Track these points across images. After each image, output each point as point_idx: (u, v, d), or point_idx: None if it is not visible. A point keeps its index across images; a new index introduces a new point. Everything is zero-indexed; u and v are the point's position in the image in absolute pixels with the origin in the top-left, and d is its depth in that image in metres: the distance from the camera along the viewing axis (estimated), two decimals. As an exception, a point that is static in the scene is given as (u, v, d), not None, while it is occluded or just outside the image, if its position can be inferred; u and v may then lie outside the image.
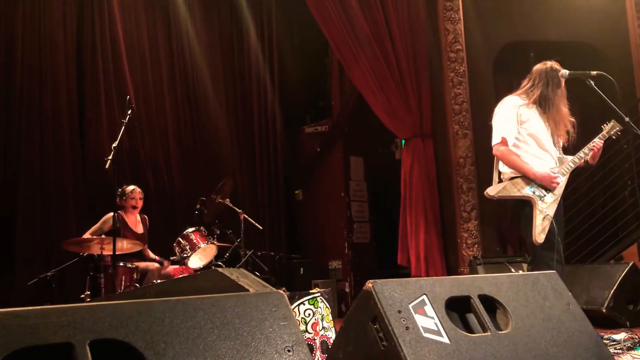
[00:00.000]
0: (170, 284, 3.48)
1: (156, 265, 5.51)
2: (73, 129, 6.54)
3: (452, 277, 2.15)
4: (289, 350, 1.41)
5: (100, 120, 6.70)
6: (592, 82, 3.83)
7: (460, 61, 6.72)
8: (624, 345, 3.56)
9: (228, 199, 6.11)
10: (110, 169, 4.66)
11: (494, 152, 3.93)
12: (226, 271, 2.40)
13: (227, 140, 7.93)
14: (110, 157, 4.59)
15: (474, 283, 2.11)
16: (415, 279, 2.00)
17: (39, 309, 1.16)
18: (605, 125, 3.94)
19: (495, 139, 3.91)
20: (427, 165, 6.80)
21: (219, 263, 5.59)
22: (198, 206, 5.96)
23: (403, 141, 7.07)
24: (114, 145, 4.65)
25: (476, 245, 6.41)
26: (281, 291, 1.54)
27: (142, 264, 5.42)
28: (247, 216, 6.17)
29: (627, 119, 3.70)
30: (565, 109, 3.93)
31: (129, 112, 4.88)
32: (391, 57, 6.77)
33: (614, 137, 3.96)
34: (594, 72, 3.83)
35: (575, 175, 6.30)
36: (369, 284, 1.91)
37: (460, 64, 6.71)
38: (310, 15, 6.98)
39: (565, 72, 3.85)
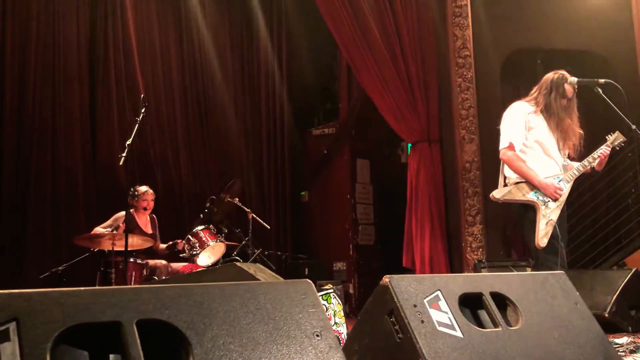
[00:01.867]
0: (189, 277, 3.56)
1: (164, 262, 5.59)
2: (84, 126, 6.64)
3: (465, 274, 2.23)
4: (317, 335, 1.49)
5: (111, 118, 6.79)
6: (600, 90, 3.90)
7: (468, 67, 6.79)
8: (627, 349, 3.63)
9: (237, 199, 6.20)
10: (123, 166, 4.73)
11: (501, 156, 4.00)
12: (244, 265, 2.48)
13: (235, 140, 8.03)
14: (124, 155, 4.66)
15: (485, 281, 2.19)
16: (430, 276, 2.08)
17: (89, 290, 1.24)
18: (609, 135, 4.02)
19: (503, 144, 3.99)
20: (434, 169, 6.87)
21: (237, 258, 5.67)
22: (208, 204, 6.04)
23: (409, 145, 7.14)
24: (127, 142, 4.71)
25: (480, 249, 6.48)
26: (309, 280, 1.63)
27: (151, 261, 5.50)
28: (255, 215, 6.26)
29: (634, 127, 3.78)
30: (569, 120, 3.98)
31: (143, 110, 4.96)
32: (400, 61, 6.85)
33: (617, 148, 4.04)
34: (602, 80, 3.90)
35: (580, 183, 6.37)
36: (386, 279, 1.98)
37: (468, 70, 6.78)
38: (319, 19, 7.07)
39: (573, 79, 3.92)
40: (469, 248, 6.49)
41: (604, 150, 3.94)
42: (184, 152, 7.48)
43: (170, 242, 5.82)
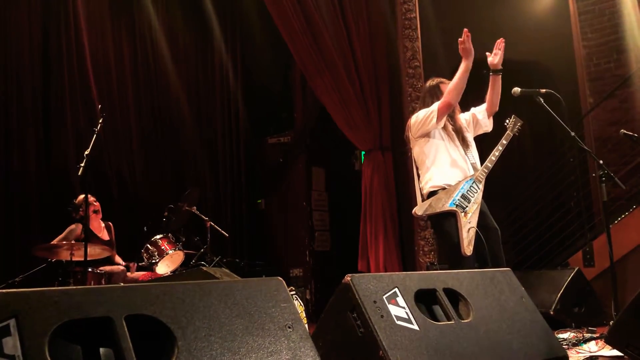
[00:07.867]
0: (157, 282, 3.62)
1: (121, 268, 5.58)
2: (38, 135, 6.56)
3: (420, 272, 2.39)
4: (289, 327, 1.62)
5: (65, 127, 6.73)
6: (542, 99, 4.13)
7: (418, 77, 7.01)
8: (570, 342, 3.87)
9: (195, 207, 6.26)
10: (78, 175, 4.73)
11: (440, 106, 4.16)
12: (210, 270, 2.58)
13: (191, 148, 8.08)
14: (82, 165, 4.67)
15: (439, 278, 2.36)
16: (388, 274, 2.23)
17: (81, 289, 1.34)
18: (507, 121, 4.27)
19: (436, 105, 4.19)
20: (386, 176, 7.06)
21: (203, 263, 5.73)
22: (166, 213, 6.08)
23: (363, 153, 7.32)
24: (86, 153, 4.71)
25: (432, 253, 6.69)
26: (280, 278, 1.76)
27: (108, 267, 5.49)
28: (213, 224, 6.32)
29: (572, 134, 4.02)
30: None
31: (101, 121, 4.98)
32: (353, 72, 7.03)
33: (516, 134, 4.28)
34: (543, 90, 4.14)
35: (526, 187, 6.69)
36: (348, 278, 2.12)
37: (418, 80, 7.01)
38: (275, 28, 7.20)
39: (517, 89, 4.16)
40: (421, 252, 6.70)
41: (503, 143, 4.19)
42: (139, 161, 7.47)
43: (124, 263, 5.77)
